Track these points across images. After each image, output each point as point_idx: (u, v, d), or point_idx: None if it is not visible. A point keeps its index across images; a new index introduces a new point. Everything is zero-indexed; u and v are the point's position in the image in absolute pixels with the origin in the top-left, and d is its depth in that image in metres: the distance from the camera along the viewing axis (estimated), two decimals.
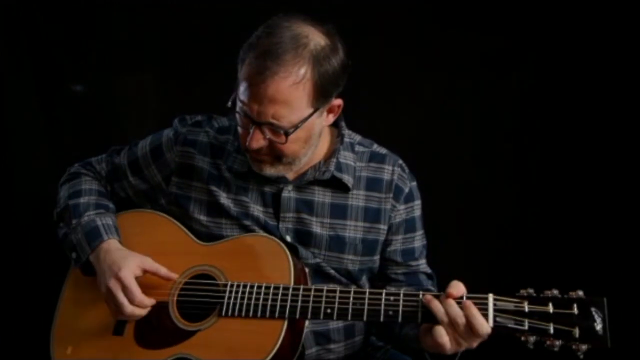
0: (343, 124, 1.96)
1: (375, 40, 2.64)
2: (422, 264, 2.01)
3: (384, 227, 1.93)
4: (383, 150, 2.00)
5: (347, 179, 1.91)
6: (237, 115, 1.78)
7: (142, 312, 1.81)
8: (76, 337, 1.89)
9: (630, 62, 2.57)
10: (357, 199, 1.93)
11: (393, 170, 1.95)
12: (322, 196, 1.92)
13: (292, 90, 1.69)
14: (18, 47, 2.77)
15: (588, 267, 2.59)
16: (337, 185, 1.91)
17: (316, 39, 1.73)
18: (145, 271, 1.83)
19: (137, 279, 1.81)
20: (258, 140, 1.75)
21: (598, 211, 2.64)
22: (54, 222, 2.01)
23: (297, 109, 1.73)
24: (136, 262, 1.82)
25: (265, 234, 1.87)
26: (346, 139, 1.95)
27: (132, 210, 2.03)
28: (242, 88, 1.72)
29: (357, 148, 1.97)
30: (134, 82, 2.86)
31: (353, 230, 1.91)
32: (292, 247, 1.86)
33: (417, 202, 1.99)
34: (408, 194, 1.96)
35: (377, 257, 1.96)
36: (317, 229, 1.90)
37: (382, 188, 1.94)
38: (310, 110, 1.75)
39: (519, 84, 2.74)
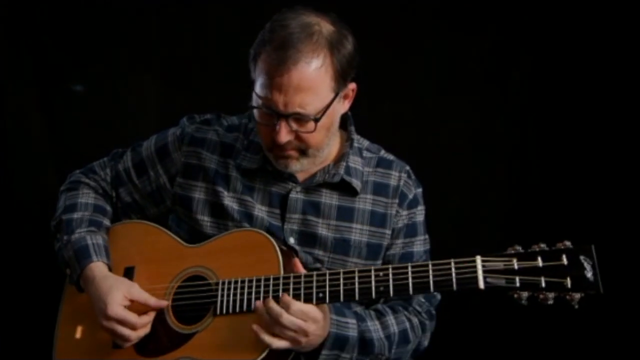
0: (352, 128, 1.97)
1: (374, 41, 2.63)
2: None
3: (388, 232, 1.93)
4: (390, 157, 2.01)
5: (356, 183, 1.91)
6: (257, 112, 1.78)
7: (147, 330, 1.82)
8: (78, 354, 1.89)
9: (629, 62, 2.56)
10: (364, 202, 1.92)
11: (400, 176, 1.96)
12: (329, 198, 1.91)
13: (315, 76, 1.71)
14: (18, 47, 2.78)
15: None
16: (345, 189, 1.91)
17: (326, 25, 1.75)
18: (132, 301, 1.81)
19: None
20: (286, 134, 1.75)
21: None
22: (51, 233, 1.99)
23: (322, 94, 1.74)
24: (122, 292, 1.81)
25: (250, 228, 1.86)
26: (355, 144, 1.96)
27: (119, 223, 2.02)
28: (263, 83, 1.73)
29: (365, 153, 1.98)
30: (134, 82, 2.87)
31: (359, 233, 1.91)
32: (293, 250, 1.85)
33: (420, 208, 1.99)
34: (412, 200, 1.96)
35: (380, 262, 1.95)
36: (322, 230, 1.89)
37: (388, 193, 1.94)
38: (332, 95, 1.76)
39: (519, 83, 2.74)
